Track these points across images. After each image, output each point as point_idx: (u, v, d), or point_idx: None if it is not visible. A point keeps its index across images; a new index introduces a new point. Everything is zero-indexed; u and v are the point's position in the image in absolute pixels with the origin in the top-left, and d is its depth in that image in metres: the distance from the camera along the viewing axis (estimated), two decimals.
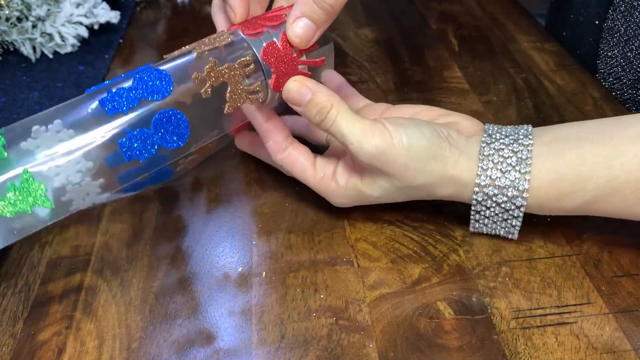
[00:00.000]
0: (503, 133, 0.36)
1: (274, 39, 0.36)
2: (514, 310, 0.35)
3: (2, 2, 0.62)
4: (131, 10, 0.74)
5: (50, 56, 0.64)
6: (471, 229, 0.39)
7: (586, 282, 0.36)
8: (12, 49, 0.64)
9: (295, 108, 0.37)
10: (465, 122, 0.39)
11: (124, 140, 0.32)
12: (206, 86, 0.35)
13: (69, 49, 0.64)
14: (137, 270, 0.39)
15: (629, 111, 0.51)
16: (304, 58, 0.37)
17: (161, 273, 0.39)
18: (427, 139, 0.35)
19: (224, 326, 0.35)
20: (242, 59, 0.35)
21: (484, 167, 0.35)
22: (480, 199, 0.36)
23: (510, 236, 0.38)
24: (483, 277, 0.37)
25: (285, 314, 0.35)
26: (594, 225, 0.40)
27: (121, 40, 0.68)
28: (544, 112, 0.51)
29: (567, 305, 0.35)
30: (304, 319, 0.35)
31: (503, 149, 0.35)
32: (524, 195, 0.34)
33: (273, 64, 0.36)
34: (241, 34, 0.37)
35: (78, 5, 0.64)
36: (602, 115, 0.50)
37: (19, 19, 0.63)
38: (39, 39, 0.63)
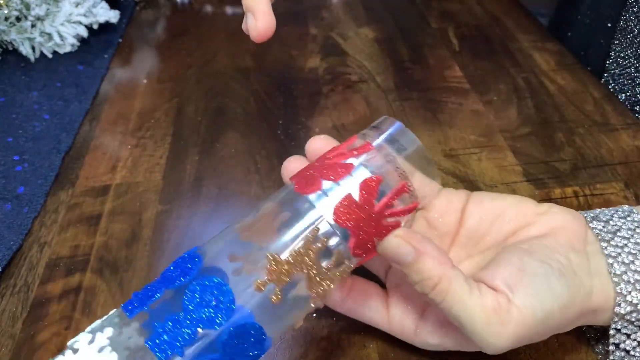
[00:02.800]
0: (624, 232, 0.30)
1: (348, 191, 0.27)
2: None
3: (2, 2, 0.61)
4: (130, 10, 0.74)
5: (50, 56, 0.64)
6: None
7: None
8: (11, 49, 0.64)
9: (394, 265, 0.29)
10: (570, 226, 0.30)
11: None
12: (275, 291, 0.25)
13: (68, 49, 0.64)
14: (136, 271, 0.39)
15: (632, 111, 0.50)
16: (395, 207, 0.28)
17: None
18: (559, 300, 0.27)
19: None
20: (310, 233, 0.26)
21: (623, 292, 0.28)
22: (620, 327, 0.29)
23: None
24: None
25: None
26: None
27: (120, 40, 0.68)
28: (545, 112, 0.51)
29: None
30: (304, 319, 0.35)
31: (636, 260, 0.28)
32: None
33: (352, 226, 0.26)
34: (294, 188, 0.28)
35: (77, 4, 0.64)
36: (603, 115, 0.50)
37: (18, 19, 0.63)
38: (38, 39, 0.63)
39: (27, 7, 0.62)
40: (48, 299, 0.38)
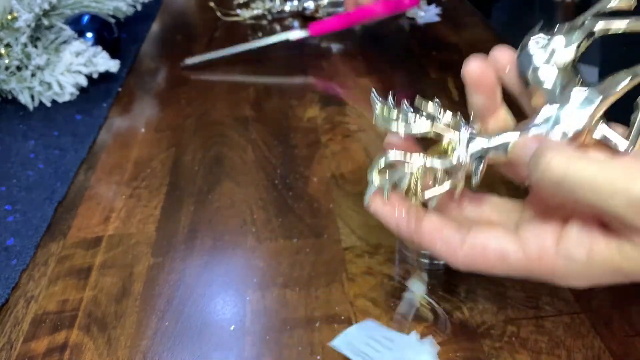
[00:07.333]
0: None
1: None
2: None
3: (2, 52, 0.62)
4: (131, 59, 0.75)
5: (49, 105, 0.64)
6: None
7: (597, 342, 0.34)
8: (10, 97, 0.64)
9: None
10: None
11: None
12: None
13: (67, 98, 0.64)
14: (125, 328, 0.37)
15: None
16: None
17: (150, 331, 0.37)
18: None
19: None
20: None
21: None
22: None
23: None
24: (488, 336, 0.35)
25: None
26: None
27: (120, 89, 0.68)
28: None
29: None
30: None
31: None
32: None
33: None
34: None
35: (78, 54, 0.64)
36: None
37: (18, 68, 0.63)
38: (38, 88, 0.63)
39: (28, 56, 0.63)
40: (31, 357, 0.36)
